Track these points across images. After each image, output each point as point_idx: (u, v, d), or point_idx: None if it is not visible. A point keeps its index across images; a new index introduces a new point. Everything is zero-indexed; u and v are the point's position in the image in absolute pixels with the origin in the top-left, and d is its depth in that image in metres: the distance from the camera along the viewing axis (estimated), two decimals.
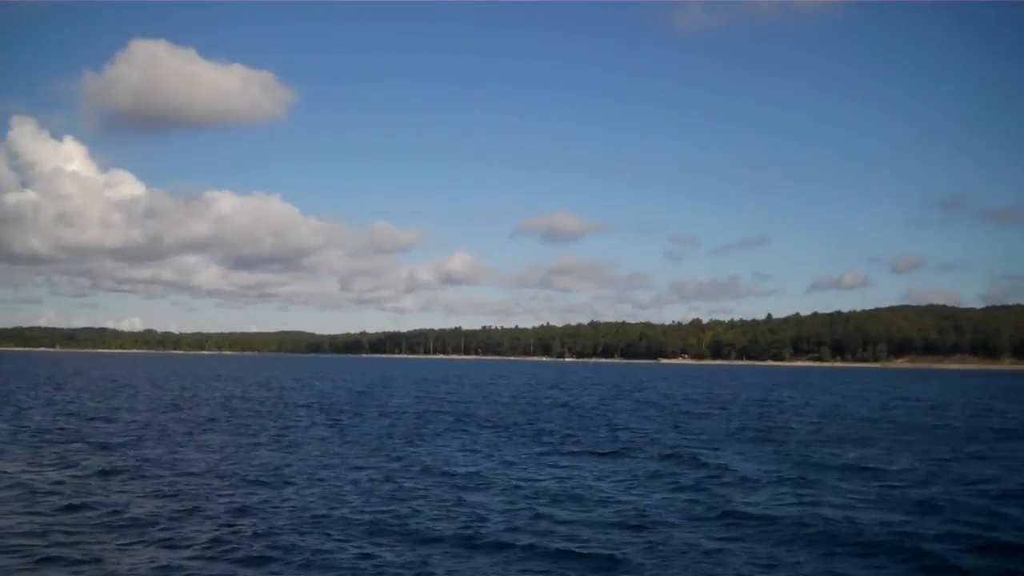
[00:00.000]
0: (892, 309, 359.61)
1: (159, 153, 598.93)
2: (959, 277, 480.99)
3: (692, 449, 31.58)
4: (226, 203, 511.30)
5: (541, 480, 23.77)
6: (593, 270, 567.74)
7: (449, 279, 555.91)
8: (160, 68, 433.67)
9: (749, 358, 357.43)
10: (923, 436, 38.99)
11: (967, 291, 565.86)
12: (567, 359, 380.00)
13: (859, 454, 30.92)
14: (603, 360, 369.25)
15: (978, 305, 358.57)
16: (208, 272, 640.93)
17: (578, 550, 15.66)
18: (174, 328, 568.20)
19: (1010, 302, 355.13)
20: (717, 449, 32.04)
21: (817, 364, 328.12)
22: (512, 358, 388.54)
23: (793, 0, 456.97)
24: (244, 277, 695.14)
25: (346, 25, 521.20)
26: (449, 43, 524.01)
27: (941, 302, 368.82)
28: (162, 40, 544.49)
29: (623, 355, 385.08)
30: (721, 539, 16.83)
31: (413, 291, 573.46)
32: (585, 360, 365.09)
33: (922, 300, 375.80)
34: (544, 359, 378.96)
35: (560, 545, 16.01)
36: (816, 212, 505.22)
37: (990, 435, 40.35)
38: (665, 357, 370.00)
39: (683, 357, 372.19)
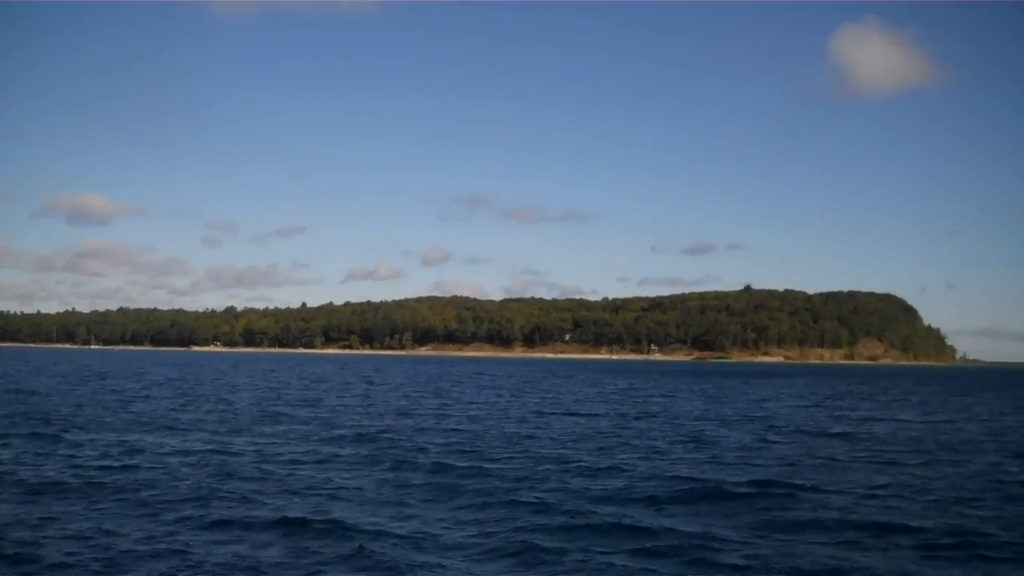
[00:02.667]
0: (419, 300, 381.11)
1: None
2: (483, 270, 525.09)
3: None
4: None
5: None
6: (125, 254, 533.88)
7: None
8: None
9: (282, 346, 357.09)
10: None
11: (491, 283, 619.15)
12: (92, 346, 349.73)
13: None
14: (130, 347, 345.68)
15: (499, 297, 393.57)
16: None
17: None
18: None
19: (526, 295, 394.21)
20: None
21: (347, 352, 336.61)
22: (32, 345, 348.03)
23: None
24: None
25: None
26: None
27: (467, 294, 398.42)
28: None
29: (154, 342, 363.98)
30: None
31: None
32: (112, 347, 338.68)
33: (449, 291, 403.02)
34: (68, 346, 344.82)
35: None
36: (353, 204, 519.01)
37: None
38: (197, 344, 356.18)
39: (215, 345, 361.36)
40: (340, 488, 17.87)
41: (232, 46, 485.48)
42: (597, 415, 39.86)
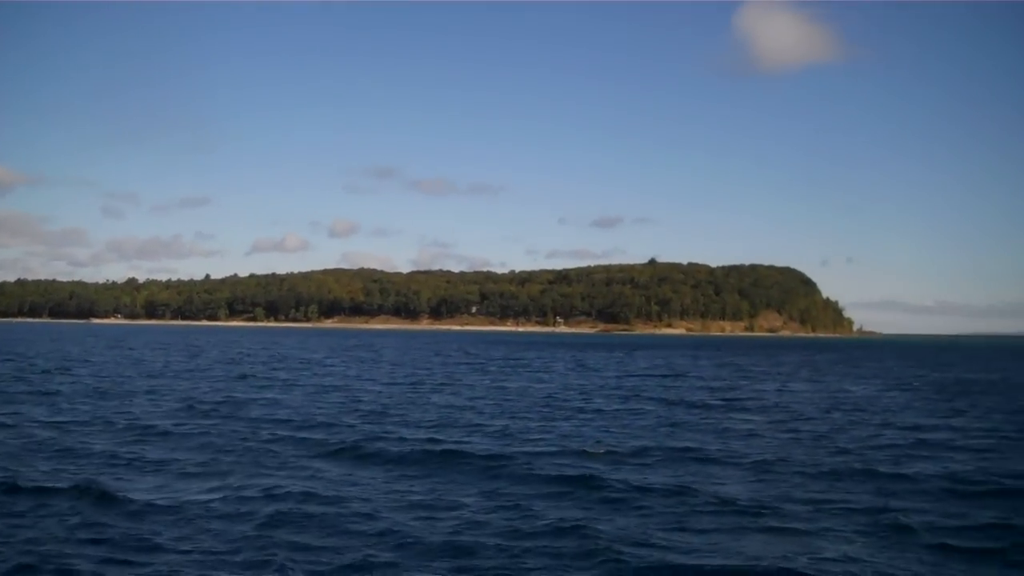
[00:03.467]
0: (325, 272, 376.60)
1: None
2: (391, 242, 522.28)
3: None
4: None
5: None
6: (23, 225, 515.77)
7: None
8: None
9: (184, 318, 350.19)
10: None
11: (399, 256, 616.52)
12: None
13: None
14: (28, 319, 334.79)
15: (407, 269, 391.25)
16: None
17: None
18: None
19: (435, 267, 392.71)
20: None
21: (250, 324, 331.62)
22: None
23: None
24: None
25: None
26: None
27: (375, 266, 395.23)
28: None
29: (52, 314, 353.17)
30: None
31: None
32: (9, 320, 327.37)
33: (357, 263, 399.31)
34: None
35: None
36: (259, 174, 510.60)
37: None
38: (97, 317, 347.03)
39: (116, 317, 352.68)
40: None
41: (135, 15, 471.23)
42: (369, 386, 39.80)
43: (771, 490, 16.01)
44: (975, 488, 16.59)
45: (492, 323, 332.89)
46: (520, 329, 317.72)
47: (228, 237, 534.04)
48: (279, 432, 22.62)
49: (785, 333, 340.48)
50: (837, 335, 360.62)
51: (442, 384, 41.95)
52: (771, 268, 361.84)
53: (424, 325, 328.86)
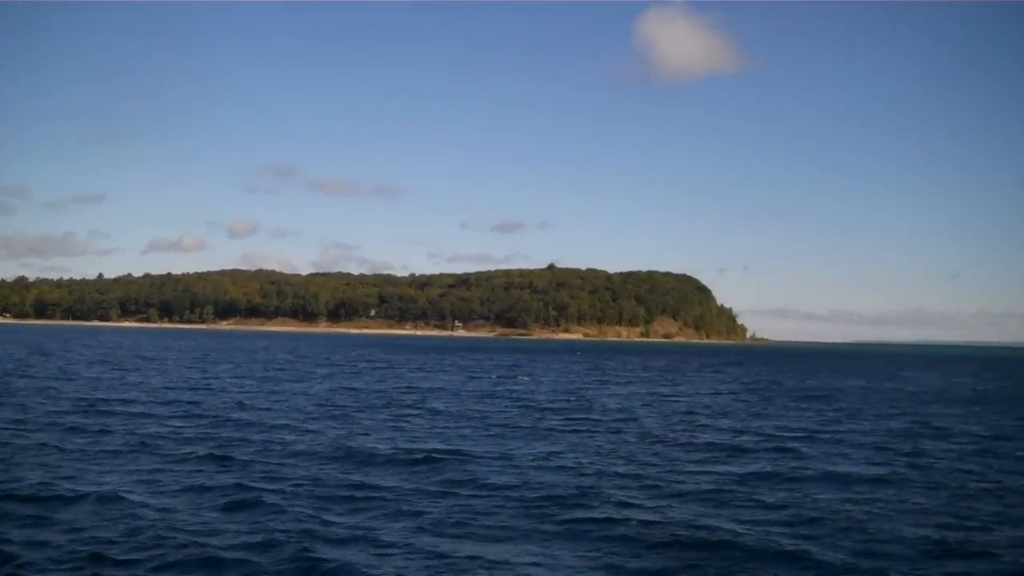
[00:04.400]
0: (222, 272, 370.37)
1: None
2: (292, 243, 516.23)
3: None
4: None
5: None
6: None
7: None
8: None
9: (76, 318, 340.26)
10: None
11: (300, 257, 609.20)
12: None
13: None
14: None
15: (309, 271, 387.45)
16: None
17: None
18: None
19: (336, 270, 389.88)
20: None
21: (143, 325, 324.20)
22: None
23: None
24: None
25: None
26: None
27: (274, 267, 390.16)
28: None
29: None
30: None
31: None
32: None
33: (256, 264, 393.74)
34: None
35: None
36: (156, 172, 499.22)
37: None
38: None
39: (4, 316, 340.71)
40: None
41: (21, 3, 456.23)
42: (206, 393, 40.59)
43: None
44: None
45: (391, 326, 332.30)
46: (419, 333, 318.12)
47: (123, 236, 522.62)
48: None
49: (680, 339, 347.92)
50: (730, 341, 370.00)
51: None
52: (667, 275, 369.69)
53: (322, 328, 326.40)
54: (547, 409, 33.00)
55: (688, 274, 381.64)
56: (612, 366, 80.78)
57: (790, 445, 23.84)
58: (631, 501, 15.48)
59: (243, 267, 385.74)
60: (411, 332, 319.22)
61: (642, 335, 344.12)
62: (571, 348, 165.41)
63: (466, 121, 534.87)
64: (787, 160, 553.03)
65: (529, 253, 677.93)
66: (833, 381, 64.31)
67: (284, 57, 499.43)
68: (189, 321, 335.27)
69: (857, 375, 76.24)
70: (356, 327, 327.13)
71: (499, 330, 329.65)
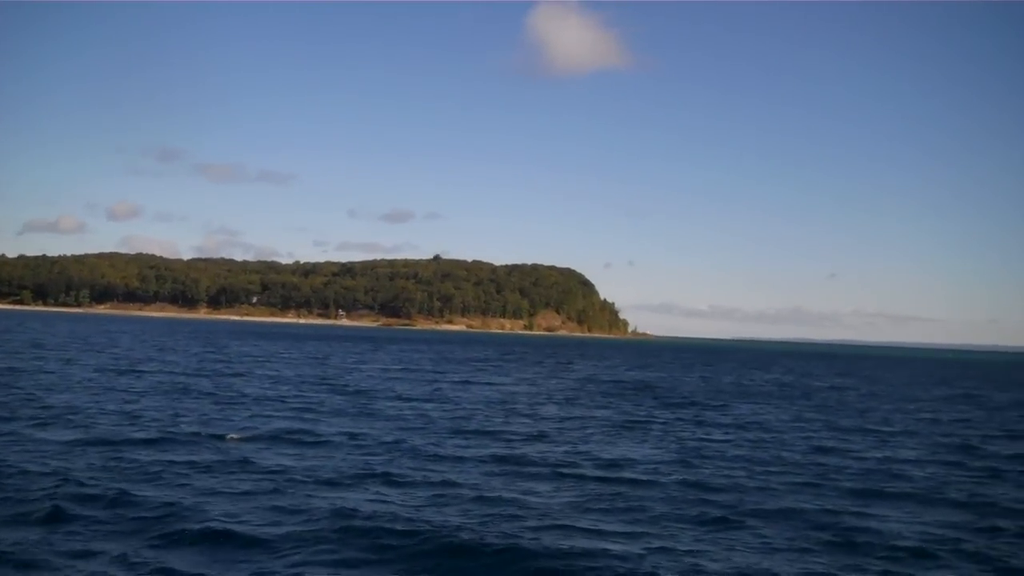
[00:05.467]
0: (100, 256, 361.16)
1: None
2: (176, 228, 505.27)
3: None
4: None
5: None
6: None
7: None
8: None
9: None
10: None
11: (184, 242, 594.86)
12: None
13: None
14: None
15: (192, 256, 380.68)
16: None
17: None
18: None
19: (221, 255, 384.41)
20: None
21: (18, 308, 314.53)
22: None
23: None
24: None
25: None
26: None
27: (158, 252, 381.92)
28: None
29: None
30: None
31: None
32: None
33: (139, 248, 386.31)
34: None
35: None
36: (33, 150, 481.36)
37: None
38: None
39: None
40: None
41: None
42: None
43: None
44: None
45: (273, 314, 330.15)
46: (301, 321, 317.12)
47: None
48: None
49: (563, 332, 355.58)
50: (612, 335, 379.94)
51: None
52: (552, 269, 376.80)
53: (202, 314, 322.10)
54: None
55: (573, 268, 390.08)
56: (467, 356, 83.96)
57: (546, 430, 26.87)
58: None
59: (124, 251, 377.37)
60: (294, 320, 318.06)
61: (525, 327, 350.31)
62: (425, 339, 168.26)
63: (356, 110, 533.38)
64: (672, 158, 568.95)
65: (419, 244, 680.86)
66: (677, 375, 68.41)
67: (169, 38, 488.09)
68: (65, 305, 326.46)
69: (707, 369, 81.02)
70: (237, 314, 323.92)
71: (383, 320, 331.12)
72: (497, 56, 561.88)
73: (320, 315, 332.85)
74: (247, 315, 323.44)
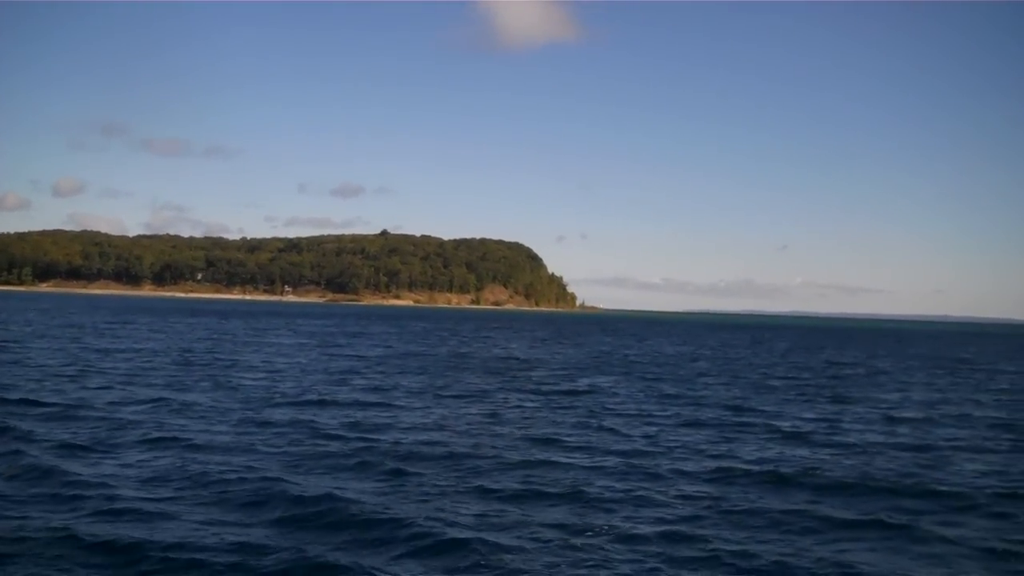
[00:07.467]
0: (43, 233, 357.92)
1: None
2: (122, 204, 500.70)
3: None
4: None
5: None
6: None
7: None
8: None
9: None
10: None
11: (131, 219, 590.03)
12: None
13: None
14: None
15: (138, 232, 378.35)
16: None
17: None
18: None
19: (169, 232, 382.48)
20: None
21: None
22: None
23: None
24: None
25: None
26: None
27: (105, 229, 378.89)
28: None
29: None
30: None
31: None
32: None
33: (84, 225, 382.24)
34: None
35: None
36: None
37: None
38: None
39: None
40: None
41: None
42: None
43: None
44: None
45: (219, 291, 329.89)
46: (247, 297, 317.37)
47: None
48: None
49: (510, 306, 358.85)
50: (559, 309, 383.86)
51: None
52: (500, 243, 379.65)
53: (146, 291, 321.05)
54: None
55: (521, 243, 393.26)
56: (379, 331, 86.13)
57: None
58: None
59: (70, 228, 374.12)
60: (239, 296, 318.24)
61: (472, 302, 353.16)
62: (371, 313, 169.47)
63: (305, 83, 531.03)
64: (623, 131, 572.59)
65: (369, 219, 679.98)
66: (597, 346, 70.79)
67: (112, 12, 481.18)
68: (7, 283, 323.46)
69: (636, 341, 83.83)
70: (182, 291, 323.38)
71: (329, 295, 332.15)
72: (448, 30, 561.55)
73: (266, 291, 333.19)
74: (192, 292, 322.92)
